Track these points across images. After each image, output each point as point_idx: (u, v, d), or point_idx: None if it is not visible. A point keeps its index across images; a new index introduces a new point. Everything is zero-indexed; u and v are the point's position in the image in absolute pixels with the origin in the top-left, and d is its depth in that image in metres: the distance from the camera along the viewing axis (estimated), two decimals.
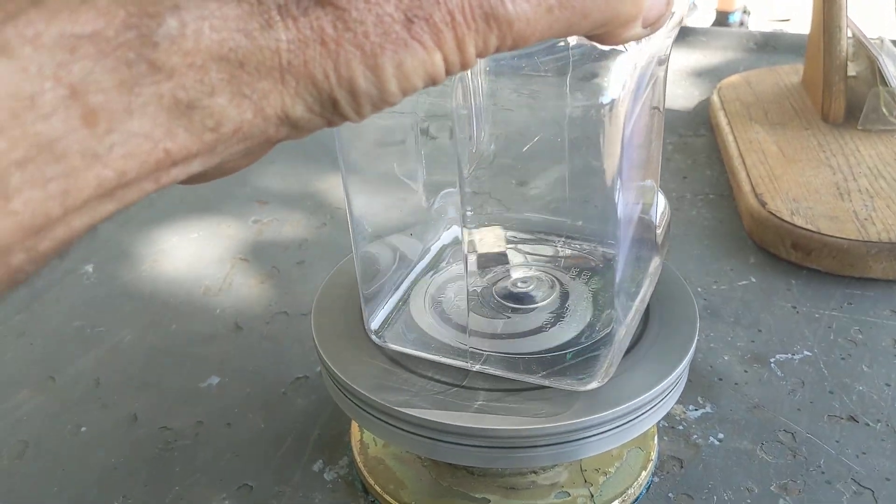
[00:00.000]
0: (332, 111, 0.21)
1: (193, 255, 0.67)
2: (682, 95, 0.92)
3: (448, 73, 0.22)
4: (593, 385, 0.37)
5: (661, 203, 0.43)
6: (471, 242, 0.42)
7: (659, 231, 0.43)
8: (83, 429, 0.50)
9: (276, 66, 0.20)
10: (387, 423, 0.38)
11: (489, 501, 0.43)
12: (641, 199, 0.39)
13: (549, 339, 0.40)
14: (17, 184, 0.18)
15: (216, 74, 0.20)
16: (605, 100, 0.31)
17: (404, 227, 0.44)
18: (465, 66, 0.22)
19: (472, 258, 0.43)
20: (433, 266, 0.45)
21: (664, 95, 0.40)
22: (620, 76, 0.31)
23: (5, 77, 0.18)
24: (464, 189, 0.37)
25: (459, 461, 0.39)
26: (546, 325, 0.41)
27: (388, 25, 0.21)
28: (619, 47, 0.30)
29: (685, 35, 1.06)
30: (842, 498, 0.43)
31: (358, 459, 0.46)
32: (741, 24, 3.16)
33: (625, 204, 0.35)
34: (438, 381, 0.39)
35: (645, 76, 0.33)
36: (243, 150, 0.22)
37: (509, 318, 0.41)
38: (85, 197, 0.19)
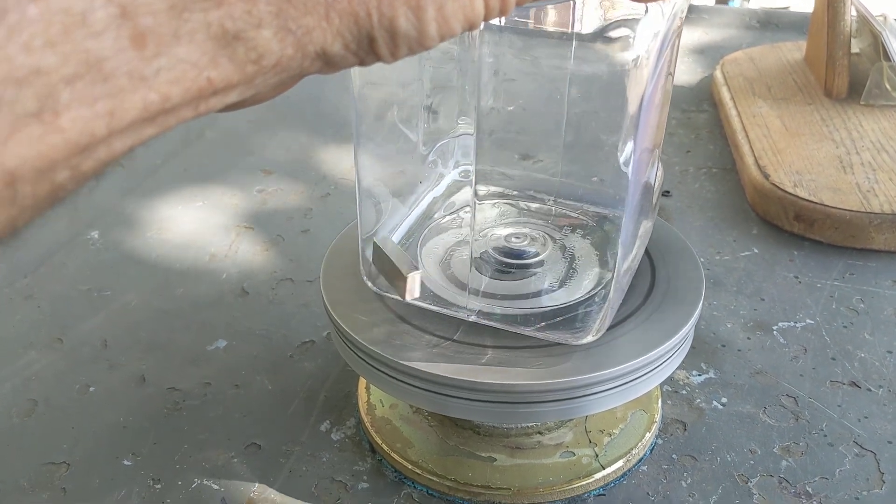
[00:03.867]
0: (367, 50, 0.22)
1: (199, 222, 0.67)
2: (684, 71, 0.92)
3: (486, 18, 0.22)
4: (588, 339, 0.38)
5: (658, 168, 0.43)
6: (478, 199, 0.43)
7: (654, 194, 0.43)
8: (91, 388, 0.50)
9: (321, 2, 0.20)
10: (396, 378, 0.38)
11: (495, 460, 0.43)
12: (650, 161, 0.40)
13: (546, 293, 0.41)
14: (66, 100, 0.18)
15: (265, 7, 0.20)
16: (631, 56, 0.31)
17: (402, 176, 0.44)
18: (503, 11, 0.22)
19: (479, 215, 0.44)
20: (427, 216, 0.45)
21: (675, 62, 0.40)
22: (646, 35, 0.32)
23: None
24: (480, 142, 0.37)
25: (467, 416, 0.40)
26: (542, 280, 0.41)
27: None
28: (644, 7, 0.31)
29: (687, 13, 1.06)
30: (844, 460, 0.44)
31: (365, 420, 0.46)
32: None
33: (636, 164, 0.35)
34: (447, 338, 0.39)
35: (667, 39, 0.34)
36: (277, 83, 0.22)
37: (507, 272, 0.42)
38: (130, 119, 0.19)
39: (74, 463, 0.45)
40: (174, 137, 0.80)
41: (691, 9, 1.07)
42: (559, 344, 0.38)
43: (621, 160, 0.35)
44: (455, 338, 0.39)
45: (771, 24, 1.04)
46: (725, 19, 1.06)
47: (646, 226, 0.43)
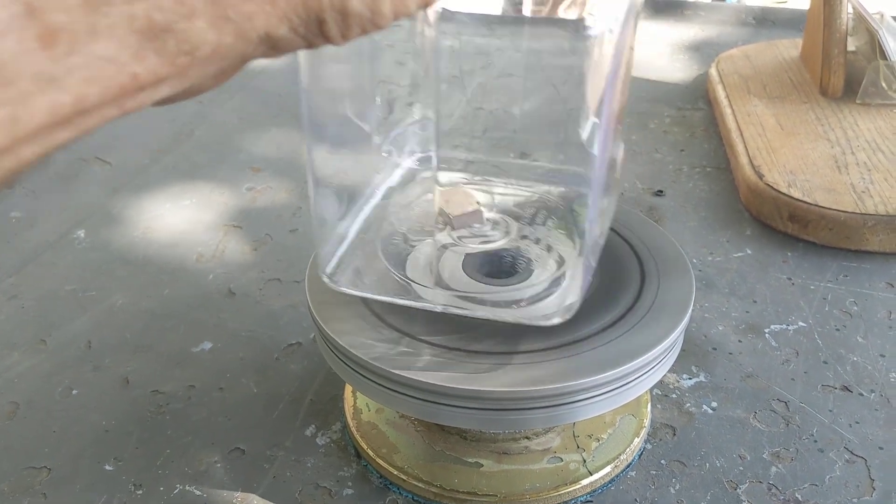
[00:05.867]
0: (316, 33, 0.21)
1: (187, 221, 0.66)
2: (679, 69, 0.91)
3: None
4: (556, 321, 0.37)
5: (620, 145, 0.43)
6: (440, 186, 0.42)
7: (616, 169, 0.42)
8: (75, 391, 0.49)
9: None
10: (382, 386, 0.38)
11: (482, 466, 0.43)
12: (614, 136, 0.39)
13: (513, 276, 0.40)
14: None
15: None
16: (594, 32, 0.31)
17: (356, 167, 0.44)
18: None
19: (442, 200, 0.43)
20: (383, 207, 0.44)
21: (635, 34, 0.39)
22: (612, 9, 0.31)
23: None
24: (439, 127, 0.36)
25: (453, 423, 0.39)
26: (509, 263, 0.41)
27: None
28: None
29: (683, 9, 1.06)
30: (834, 466, 0.43)
31: (351, 424, 0.46)
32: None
33: (602, 140, 0.34)
34: (434, 344, 0.38)
35: (632, 11, 0.33)
36: (216, 72, 0.21)
37: (473, 258, 0.41)
38: (36, 124, 0.18)
39: (56, 468, 0.44)
40: (163, 135, 0.79)
41: (687, 5, 1.06)
42: (547, 349, 0.38)
43: (584, 137, 0.34)
44: (441, 343, 0.38)
45: (767, 22, 1.03)
46: (721, 16, 1.05)
47: (609, 202, 0.42)
